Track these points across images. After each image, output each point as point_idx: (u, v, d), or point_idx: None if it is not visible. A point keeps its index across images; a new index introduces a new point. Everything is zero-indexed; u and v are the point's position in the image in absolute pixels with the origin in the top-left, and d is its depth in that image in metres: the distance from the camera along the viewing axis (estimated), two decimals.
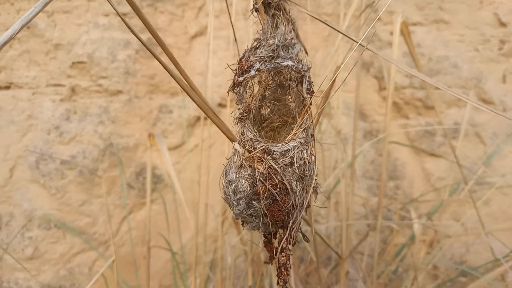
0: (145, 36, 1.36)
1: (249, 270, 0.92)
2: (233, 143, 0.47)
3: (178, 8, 1.40)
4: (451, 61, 1.37)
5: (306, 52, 0.52)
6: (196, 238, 1.00)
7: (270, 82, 0.52)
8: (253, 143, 0.44)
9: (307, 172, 0.44)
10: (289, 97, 0.52)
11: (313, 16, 0.54)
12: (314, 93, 0.48)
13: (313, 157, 0.45)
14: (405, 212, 1.15)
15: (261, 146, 0.43)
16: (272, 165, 0.42)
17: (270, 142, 0.50)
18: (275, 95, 0.53)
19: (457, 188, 1.10)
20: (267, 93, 0.52)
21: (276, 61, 0.47)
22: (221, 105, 1.36)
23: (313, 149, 0.46)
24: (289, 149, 0.43)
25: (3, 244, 1.16)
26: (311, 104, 0.46)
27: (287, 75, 0.50)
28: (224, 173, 0.46)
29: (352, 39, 0.50)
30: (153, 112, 1.32)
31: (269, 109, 0.54)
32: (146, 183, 1.20)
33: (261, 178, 0.42)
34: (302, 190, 0.44)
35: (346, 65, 1.32)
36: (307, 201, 0.44)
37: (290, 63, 0.47)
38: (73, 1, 1.35)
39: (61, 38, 1.32)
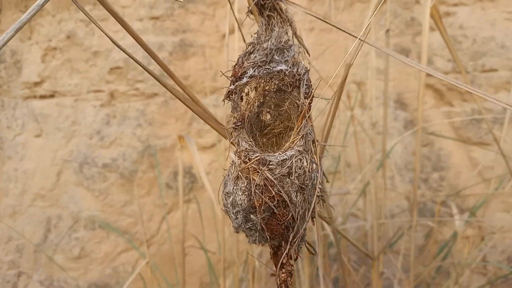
0: (179, 37, 1.36)
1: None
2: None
3: (209, 7, 1.38)
4: (498, 41, 1.26)
5: (308, 52, 0.48)
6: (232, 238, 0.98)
7: (269, 87, 0.49)
8: (248, 154, 0.40)
9: (308, 182, 0.40)
10: (288, 102, 0.48)
11: (315, 16, 0.49)
12: (312, 96, 0.44)
13: (314, 165, 0.41)
14: (445, 206, 1.06)
15: (256, 157, 0.40)
16: (268, 177, 0.39)
17: (271, 150, 0.47)
18: (275, 100, 0.49)
19: (503, 179, 1.00)
20: (266, 99, 0.49)
21: (269, 66, 0.43)
22: None
23: (315, 156, 0.42)
24: (286, 159, 0.40)
25: (52, 245, 1.21)
26: (309, 109, 0.42)
27: (283, 80, 0.47)
28: (223, 184, 0.43)
29: (351, 34, 0.45)
30: (188, 113, 1.32)
31: (269, 115, 0.50)
32: (179, 182, 1.20)
33: (257, 190, 0.38)
34: (304, 201, 0.40)
35: (379, 53, 1.24)
36: (310, 212, 0.40)
37: (283, 67, 0.43)
38: None
39: (99, 46, 1.35)
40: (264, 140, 0.49)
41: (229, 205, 0.41)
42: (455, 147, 1.26)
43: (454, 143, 1.25)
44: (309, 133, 0.42)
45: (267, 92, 0.48)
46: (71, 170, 1.27)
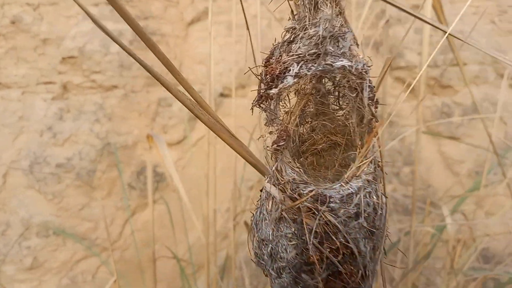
0: (144, 23, 1.25)
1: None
2: (265, 179, 0.33)
3: None
4: (467, 35, 1.25)
5: (357, 44, 0.38)
6: (207, 237, 0.91)
7: (310, 89, 0.37)
8: (298, 186, 0.30)
9: (378, 223, 0.30)
10: (337, 108, 0.38)
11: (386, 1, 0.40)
12: (378, 103, 0.34)
13: (384, 199, 0.32)
14: (433, 207, 1.04)
15: (311, 191, 0.29)
16: (330, 220, 0.28)
17: (320, 176, 0.37)
18: (317, 107, 0.38)
19: (480, 176, 0.99)
20: (307, 105, 0.39)
21: (325, 60, 0.32)
22: (223, 95, 1.25)
23: (382, 185, 0.33)
24: (352, 193, 0.29)
25: (0, 255, 1.07)
26: (380, 121, 0.33)
27: (338, 79, 0.37)
28: (254, 225, 0.32)
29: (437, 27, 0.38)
30: (152, 107, 1.21)
31: (308, 126, 0.39)
32: (148, 183, 1.10)
33: (314, 241, 0.28)
34: (372, 250, 0.30)
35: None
36: (379, 263, 0.31)
37: (346, 62, 0.32)
38: None
39: (50, 32, 1.21)
40: (301, 159, 0.39)
41: (266, 257, 0.31)
42: (426, 141, 1.25)
43: (425, 137, 1.24)
44: (377, 156, 0.33)
45: (313, 97, 0.37)
46: (19, 171, 1.13)
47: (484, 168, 1.09)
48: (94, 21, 0.36)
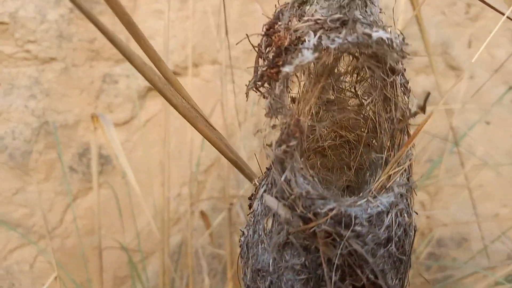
0: None
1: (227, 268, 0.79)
2: (256, 184, 0.26)
3: None
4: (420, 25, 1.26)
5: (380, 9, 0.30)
6: (159, 223, 0.85)
7: (324, 69, 0.28)
8: (313, 203, 0.22)
9: (407, 248, 0.24)
10: (351, 95, 0.30)
11: None
12: (410, 91, 0.28)
13: (413, 216, 0.26)
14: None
15: (331, 209, 0.22)
16: (356, 250, 0.21)
17: (329, 184, 0.29)
18: (323, 93, 0.29)
19: (435, 163, 1.02)
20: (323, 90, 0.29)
21: (360, 30, 0.23)
22: (176, 73, 1.17)
23: (412, 198, 0.26)
24: (383, 211, 0.23)
25: None
26: (424, 121, 0.26)
27: (364, 58, 0.28)
28: (245, 248, 0.25)
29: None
30: (95, 83, 1.11)
31: (310, 116, 0.30)
32: (92, 166, 1.01)
33: (333, 276, 0.21)
34: (399, 281, 0.24)
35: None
36: None
37: (383, 34, 0.24)
38: None
39: None
40: (301, 160, 0.31)
41: None
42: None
43: None
44: (411, 164, 0.27)
45: (327, 81, 0.29)
46: None
47: (437, 156, 1.13)
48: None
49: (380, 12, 0.26)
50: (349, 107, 0.30)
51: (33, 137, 1.03)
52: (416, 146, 0.95)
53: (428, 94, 0.26)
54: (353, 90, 0.29)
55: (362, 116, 0.30)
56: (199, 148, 1.04)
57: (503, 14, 0.32)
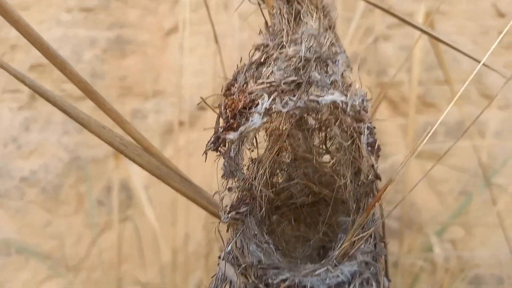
0: (115, 33, 1.17)
1: None
2: (221, 252, 0.24)
3: (151, 1, 1.21)
4: (451, 54, 1.21)
5: (351, 67, 0.28)
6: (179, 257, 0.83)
7: (287, 129, 0.27)
8: (265, 273, 0.21)
9: None
10: (323, 151, 0.28)
11: (371, 3, 0.32)
12: (379, 151, 0.26)
13: (387, 283, 0.23)
14: (420, 233, 0.98)
15: (284, 280, 0.20)
16: None
17: (300, 240, 0.27)
18: (295, 148, 0.28)
19: (469, 199, 0.94)
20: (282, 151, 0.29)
21: (308, 93, 0.22)
22: (202, 108, 1.18)
23: (383, 263, 0.24)
24: (343, 282, 0.21)
25: None
26: (387, 183, 0.24)
27: (324, 118, 0.27)
28: None
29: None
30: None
31: (285, 174, 0.29)
32: (113, 201, 1.01)
33: None
34: None
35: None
36: None
37: (337, 96, 0.23)
38: None
39: (19, 39, 1.12)
40: (273, 218, 0.29)
41: None
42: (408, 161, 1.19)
43: (408, 157, 1.19)
44: (379, 226, 0.24)
45: (291, 140, 0.28)
46: None
47: (470, 188, 1.04)
48: None
49: (345, 70, 0.24)
50: (322, 164, 0.27)
51: (65, 171, 1.06)
52: (449, 177, 0.88)
53: (378, 151, 0.23)
54: (323, 147, 0.27)
55: (334, 173, 0.27)
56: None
57: (478, 61, 0.29)
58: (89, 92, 0.28)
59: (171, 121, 1.15)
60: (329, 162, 0.27)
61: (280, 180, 0.28)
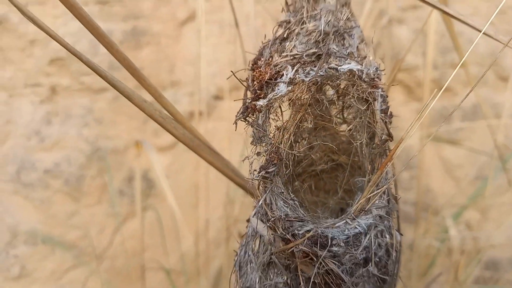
0: (130, 24, 1.18)
1: None
2: (252, 210, 0.26)
3: None
4: (466, 36, 1.20)
5: (365, 42, 0.30)
6: (197, 246, 0.85)
7: (308, 98, 0.29)
8: (291, 225, 0.23)
9: (391, 269, 0.24)
10: (341, 121, 0.31)
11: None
12: (392, 117, 0.28)
13: (399, 237, 0.26)
14: (435, 215, 0.99)
15: (308, 231, 0.23)
16: (332, 269, 0.22)
17: (320, 204, 0.31)
18: (316, 120, 0.31)
19: (485, 182, 0.94)
20: (304, 118, 0.31)
21: (328, 63, 0.25)
22: (218, 97, 1.19)
23: (395, 219, 0.26)
24: (360, 232, 0.23)
25: None
26: (398, 142, 0.27)
27: (344, 87, 0.29)
28: (237, 267, 0.26)
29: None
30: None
31: (306, 143, 0.31)
32: (136, 190, 1.04)
33: None
34: None
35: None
36: None
37: (354, 66, 0.25)
38: None
39: (37, 33, 1.14)
40: (296, 183, 0.32)
41: None
42: (425, 146, 1.19)
43: (423, 141, 1.19)
44: (391, 185, 0.27)
45: (312, 109, 0.30)
46: (6, 176, 1.07)
47: (486, 173, 1.04)
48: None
49: (360, 44, 0.26)
50: (340, 133, 0.29)
51: (87, 162, 1.09)
52: (465, 162, 0.88)
53: (391, 115, 0.25)
54: (340, 116, 0.29)
55: (350, 140, 0.29)
56: None
57: (479, 30, 0.30)
58: (131, 69, 0.30)
59: (188, 111, 1.17)
60: (346, 130, 0.29)
61: (301, 149, 0.30)
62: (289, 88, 0.25)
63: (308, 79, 0.24)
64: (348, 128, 0.29)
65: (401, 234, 0.25)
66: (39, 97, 1.10)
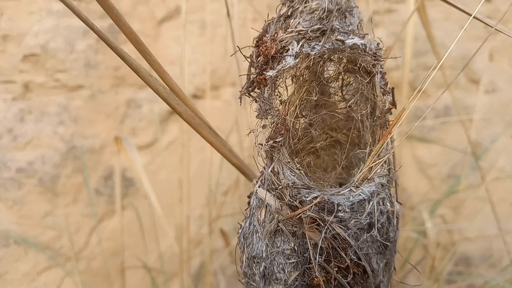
0: (107, 22, 1.17)
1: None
2: (254, 184, 0.27)
3: None
4: (438, 41, 1.24)
5: (362, 20, 0.32)
6: (180, 244, 0.84)
7: (309, 74, 0.30)
8: (299, 192, 0.24)
9: (392, 235, 0.25)
10: (339, 99, 0.32)
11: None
12: (393, 92, 0.29)
13: (398, 206, 0.27)
14: (412, 210, 1.02)
15: (316, 197, 0.24)
16: (339, 233, 0.23)
17: (320, 178, 0.32)
18: (316, 94, 0.32)
19: (458, 179, 0.98)
20: (308, 93, 0.33)
21: (334, 38, 0.26)
22: (196, 96, 1.19)
23: (394, 190, 0.28)
24: (364, 199, 0.24)
25: None
26: (400, 112, 0.28)
27: (345, 63, 0.31)
28: (242, 239, 0.26)
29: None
30: (120, 108, 1.13)
31: (304, 120, 0.33)
32: (115, 188, 1.02)
33: (319, 259, 0.22)
34: (386, 266, 0.25)
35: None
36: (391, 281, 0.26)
37: (357, 40, 0.27)
38: None
39: (10, 29, 1.11)
40: (297, 159, 0.33)
41: (257, 278, 0.24)
42: (399, 145, 1.22)
43: (397, 140, 1.22)
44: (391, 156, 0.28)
45: (312, 85, 0.31)
46: None
47: (458, 171, 1.08)
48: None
49: (359, 23, 0.27)
50: (338, 110, 0.31)
51: (62, 161, 1.06)
52: (438, 161, 0.91)
53: (393, 89, 0.27)
54: (339, 93, 0.30)
55: (349, 117, 0.30)
56: (220, 169, 1.04)
57: (469, 14, 0.32)
58: (136, 43, 0.30)
59: (169, 110, 1.16)
60: (345, 108, 0.30)
61: (301, 126, 0.31)
62: (296, 60, 0.25)
63: (314, 52, 0.25)
64: (350, 102, 0.30)
65: (400, 203, 0.27)
66: (12, 94, 1.07)
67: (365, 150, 0.29)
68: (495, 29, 0.32)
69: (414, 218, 0.93)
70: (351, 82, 0.30)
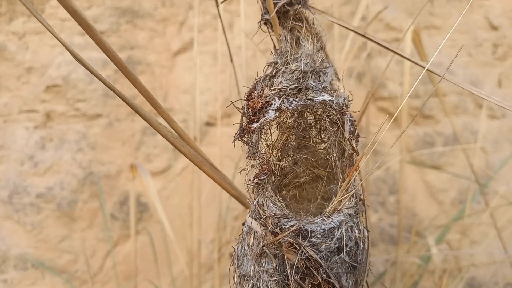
0: (125, 54, 1.22)
1: None
2: (247, 213, 0.32)
3: (159, 24, 1.26)
4: (445, 67, 1.26)
5: (338, 78, 0.37)
6: (191, 268, 0.86)
7: (292, 122, 0.36)
8: (279, 221, 0.29)
9: (360, 257, 0.29)
10: (319, 141, 0.37)
11: (347, 28, 0.39)
12: (359, 137, 0.33)
13: (366, 233, 0.30)
14: (419, 236, 1.02)
15: (293, 226, 0.28)
16: (311, 255, 0.27)
17: (303, 210, 0.36)
18: (299, 140, 0.37)
19: (463, 210, 0.98)
20: (289, 139, 0.37)
21: (306, 95, 0.31)
22: (209, 124, 1.23)
23: (363, 219, 0.31)
24: (334, 227, 0.28)
25: None
26: (361, 155, 0.32)
27: (320, 113, 0.35)
28: (235, 260, 0.30)
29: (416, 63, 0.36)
30: (136, 135, 1.17)
31: (291, 159, 0.38)
32: (130, 213, 1.05)
33: (295, 276, 0.27)
34: (354, 285, 0.29)
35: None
36: None
37: (326, 97, 0.31)
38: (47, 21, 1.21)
39: (34, 61, 1.17)
40: (283, 192, 0.37)
41: None
42: (410, 171, 1.23)
43: (409, 166, 1.23)
44: (359, 189, 0.31)
45: (295, 131, 0.36)
46: None
47: (466, 197, 1.08)
48: (72, 54, 0.34)
49: (333, 79, 0.32)
50: (318, 151, 0.35)
51: (79, 187, 1.10)
52: (448, 187, 0.92)
53: (358, 135, 0.31)
54: (318, 137, 0.35)
55: (327, 157, 0.35)
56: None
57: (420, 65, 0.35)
58: (149, 98, 0.34)
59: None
60: (324, 149, 0.35)
61: (287, 164, 0.36)
62: (277, 114, 0.30)
63: (291, 107, 0.30)
64: (324, 146, 0.35)
65: (368, 230, 0.30)
66: (34, 122, 1.13)
67: (337, 186, 0.33)
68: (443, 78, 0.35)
69: (423, 244, 0.92)
70: (327, 128, 0.34)
